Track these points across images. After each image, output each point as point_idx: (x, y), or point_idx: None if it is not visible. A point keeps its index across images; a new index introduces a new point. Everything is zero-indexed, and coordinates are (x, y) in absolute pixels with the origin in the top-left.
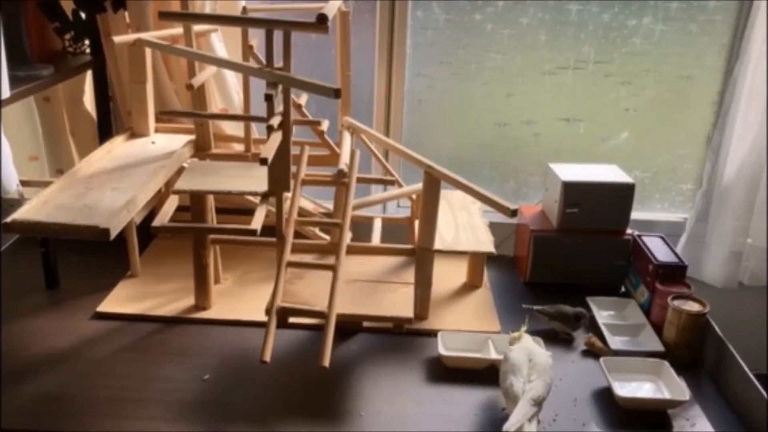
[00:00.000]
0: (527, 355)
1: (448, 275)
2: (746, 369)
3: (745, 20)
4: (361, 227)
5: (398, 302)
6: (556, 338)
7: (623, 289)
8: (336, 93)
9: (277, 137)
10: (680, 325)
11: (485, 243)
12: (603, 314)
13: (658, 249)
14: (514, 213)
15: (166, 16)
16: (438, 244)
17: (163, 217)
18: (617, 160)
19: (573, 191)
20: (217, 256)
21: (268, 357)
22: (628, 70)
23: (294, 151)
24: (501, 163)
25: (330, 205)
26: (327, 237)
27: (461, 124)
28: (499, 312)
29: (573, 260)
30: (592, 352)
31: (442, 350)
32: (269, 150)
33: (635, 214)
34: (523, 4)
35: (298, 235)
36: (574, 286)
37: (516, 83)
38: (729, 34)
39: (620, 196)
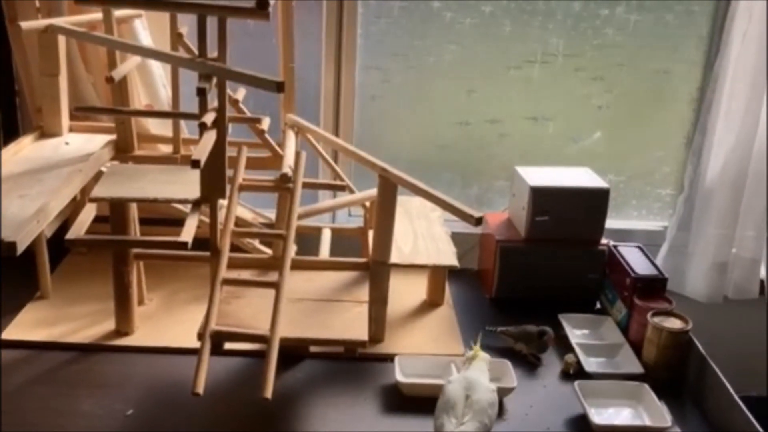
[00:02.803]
0: (465, 388)
1: (405, 292)
2: (731, 391)
3: (725, 11)
4: (308, 239)
5: (350, 323)
6: (524, 360)
7: (599, 305)
8: (278, 87)
9: (210, 137)
10: (661, 344)
11: (447, 255)
12: (576, 333)
13: (636, 261)
14: (479, 221)
15: (83, 0)
16: (395, 257)
17: (78, 229)
18: (589, 163)
19: (542, 197)
20: (141, 274)
21: (201, 388)
22: (601, 65)
23: (230, 152)
24: (463, 165)
25: (271, 215)
26: (268, 250)
27: (418, 123)
28: (463, 332)
29: (543, 273)
30: (566, 375)
31: (400, 376)
32: (202, 151)
33: (610, 223)
34: None
35: (235, 248)
36: (544, 301)
37: (478, 78)
38: (708, 25)
39: (594, 202)
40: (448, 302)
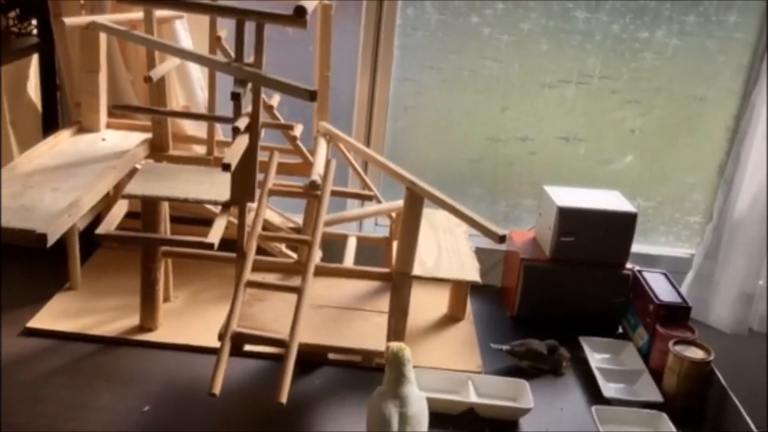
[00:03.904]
0: (397, 405)
1: (426, 305)
2: (752, 425)
3: (766, 40)
4: (334, 246)
5: (369, 333)
6: (536, 377)
7: (620, 330)
8: (311, 95)
9: (243, 141)
10: (682, 374)
11: (470, 271)
12: (597, 357)
13: (661, 287)
14: (502, 239)
15: None
16: (417, 270)
17: (109, 224)
18: (620, 186)
19: (569, 218)
20: (169, 271)
21: (218, 389)
22: (637, 87)
23: (262, 157)
24: (492, 181)
25: (299, 220)
26: (294, 255)
27: (450, 136)
28: (482, 349)
29: (566, 294)
30: (586, 397)
31: None
32: (234, 154)
33: (637, 247)
34: (525, 7)
35: (261, 251)
36: (566, 322)
37: (512, 95)
38: (749, 53)
39: (621, 226)
40: (469, 318)
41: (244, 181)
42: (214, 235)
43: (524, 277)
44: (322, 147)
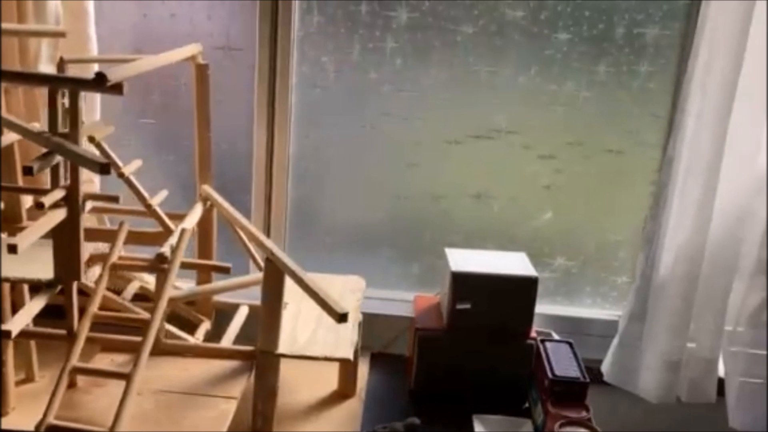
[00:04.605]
0: None
1: (317, 380)
2: None
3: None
4: (225, 315)
5: (208, 423)
6: None
7: (527, 405)
8: (102, 168)
9: (51, 217)
10: None
11: (343, 346)
12: None
13: (561, 359)
14: (342, 318)
15: None
16: (285, 347)
17: None
18: (538, 245)
19: (463, 283)
20: (31, 350)
21: None
22: (549, 142)
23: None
24: (404, 242)
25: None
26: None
27: (357, 196)
28: (365, 429)
29: (466, 367)
30: None
31: None
32: (28, 235)
33: (562, 310)
34: (424, 64)
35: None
36: (468, 397)
37: (418, 151)
38: (665, 104)
39: (521, 291)
40: (360, 395)
41: (67, 259)
42: (15, 323)
43: (419, 348)
44: (195, 212)
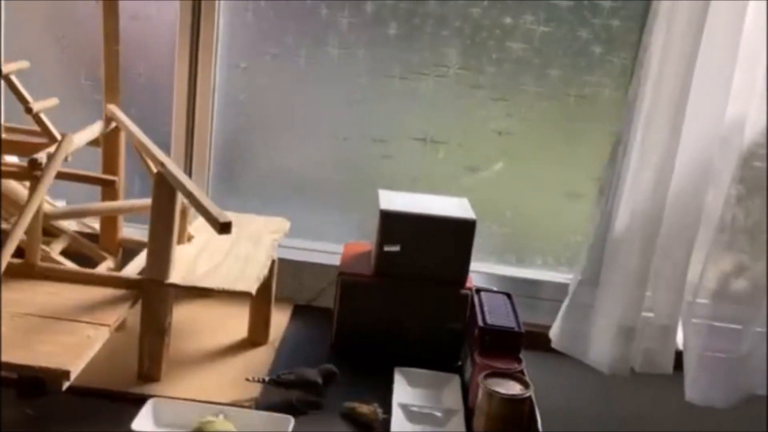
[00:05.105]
0: None
1: (226, 326)
2: None
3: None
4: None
5: (67, 349)
6: (301, 413)
7: (459, 363)
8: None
9: None
10: (492, 413)
11: (246, 280)
12: (409, 392)
13: (496, 310)
14: (224, 228)
15: None
16: (179, 277)
17: None
18: (487, 197)
19: (393, 224)
20: None
21: None
22: (503, 83)
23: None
24: (343, 188)
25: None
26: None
27: (292, 134)
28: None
29: (393, 319)
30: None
31: (142, 424)
32: None
33: (512, 270)
34: None
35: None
36: (395, 353)
37: (359, 87)
38: (629, 44)
39: (457, 236)
40: (273, 344)
41: None
42: None
43: (341, 295)
44: (88, 129)
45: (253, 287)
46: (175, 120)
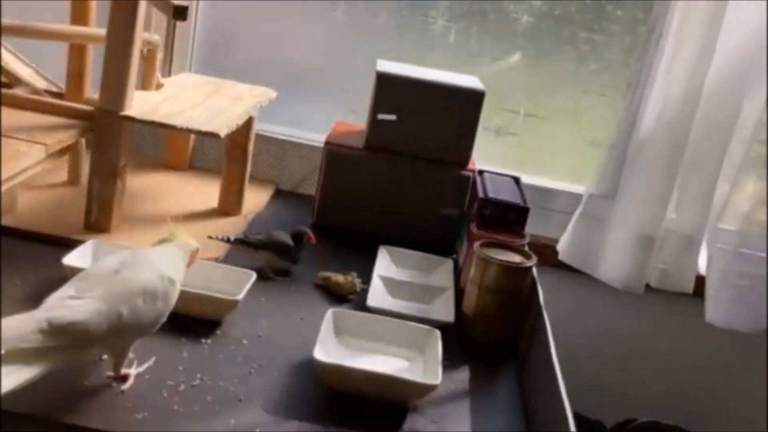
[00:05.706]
0: (121, 263)
1: (198, 196)
2: (562, 387)
3: None
4: None
5: None
6: (268, 278)
7: (455, 254)
8: None
9: None
10: (484, 284)
11: (216, 123)
12: (392, 268)
13: (501, 189)
14: (179, 12)
15: None
16: (136, 111)
17: None
18: (498, 93)
19: (389, 88)
20: None
21: None
22: None
23: None
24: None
25: None
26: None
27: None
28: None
29: (383, 198)
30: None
31: (79, 262)
32: None
33: (527, 179)
34: None
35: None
36: (384, 238)
37: None
38: None
39: (462, 107)
40: (246, 217)
41: None
42: None
43: (326, 169)
44: None
45: (222, 130)
46: None
